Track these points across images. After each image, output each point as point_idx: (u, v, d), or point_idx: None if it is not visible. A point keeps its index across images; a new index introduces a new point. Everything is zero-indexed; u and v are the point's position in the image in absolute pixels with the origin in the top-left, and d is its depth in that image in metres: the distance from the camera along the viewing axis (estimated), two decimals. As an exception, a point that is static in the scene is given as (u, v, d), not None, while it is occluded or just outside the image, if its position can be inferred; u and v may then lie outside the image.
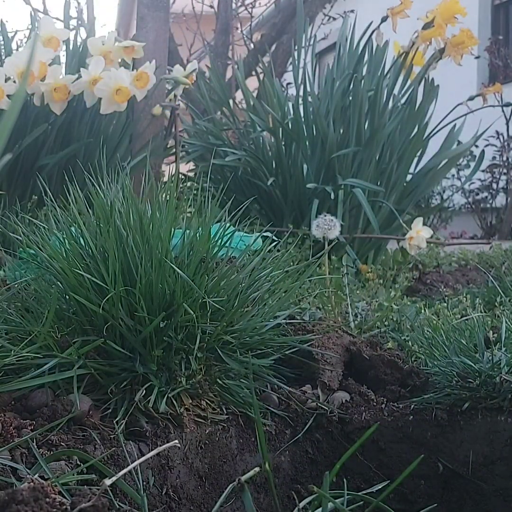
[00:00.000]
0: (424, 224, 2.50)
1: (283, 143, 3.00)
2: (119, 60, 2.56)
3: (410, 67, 2.92)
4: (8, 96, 2.27)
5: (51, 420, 0.97)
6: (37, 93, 2.37)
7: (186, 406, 1.10)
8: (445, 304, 1.84)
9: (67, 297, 1.13)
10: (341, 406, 1.27)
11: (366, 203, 2.68)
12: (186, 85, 2.87)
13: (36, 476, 0.81)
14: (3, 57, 2.61)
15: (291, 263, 1.37)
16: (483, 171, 6.53)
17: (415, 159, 3.06)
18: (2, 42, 2.74)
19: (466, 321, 1.42)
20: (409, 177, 3.08)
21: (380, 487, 0.87)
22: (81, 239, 1.14)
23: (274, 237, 1.35)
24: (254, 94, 3.37)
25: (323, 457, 1.24)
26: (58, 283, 1.14)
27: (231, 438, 1.13)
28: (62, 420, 0.97)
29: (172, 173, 2.49)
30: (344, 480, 0.88)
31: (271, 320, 1.25)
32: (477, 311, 1.65)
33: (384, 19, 2.88)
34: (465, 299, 1.90)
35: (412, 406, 1.24)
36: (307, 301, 1.63)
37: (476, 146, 4.41)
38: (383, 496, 0.72)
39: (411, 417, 1.22)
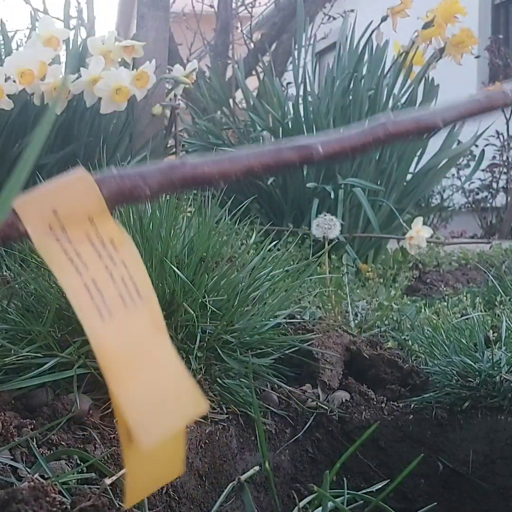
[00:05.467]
0: (424, 223, 2.49)
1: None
2: (119, 60, 2.56)
3: (410, 66, 2.92)
4: (8, 96, 2.27)
5: (51, 420, 0.97)
6: (37, 92, 2.37)
7: (186, 406, 1.10)
8: (445, 303, 1.84)
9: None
10: (341, 405, 1.27)
11: (366, 203, 2.68)
12: (186, 84, 2.86)
13: (36, 475, 0.82)
14: (3, 57, 2.61)
15: (291, 262, 1.37)
16: (483, 170, 6.52)
17: (415, 159, 3.06)
18: (2, 42, 2.74)
19: (466, 320, 1.42)
20: (409, 176, 3.08)
21: (380, 486, 0.87)
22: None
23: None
24: (254, 94, 3.37)
25: (323, 456, 1.24)
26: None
27: (231, 437, 1.14)
28: (62, 419, 0.97)
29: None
30: (344, 479, 0.88)
31: (271, 319, 1.25)
32: (477, 310, 1.65)
33: (384, 19, 2.88)
34: (465, 298, 1.90)
35: (412, 405, 1.24)
36: (307, 300, 1.63)
37: (476, 146, 4.41)
38: (383, 495, 0.72)
39: (411, 416, 1.22)
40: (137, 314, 0.43)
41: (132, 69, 2.56)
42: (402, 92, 2.95)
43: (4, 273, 1.33)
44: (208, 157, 0.43)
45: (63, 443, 0.93)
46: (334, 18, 6.15)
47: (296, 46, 3.16)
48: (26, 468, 0.85)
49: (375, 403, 1.27)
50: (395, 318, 1.69)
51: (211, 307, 1.12)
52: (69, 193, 0.42)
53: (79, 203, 0.42)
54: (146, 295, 0.44)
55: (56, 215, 0.42)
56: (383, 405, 1.26)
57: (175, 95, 3.01)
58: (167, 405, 0.43)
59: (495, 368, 1.17)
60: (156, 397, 0.43)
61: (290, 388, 1.25)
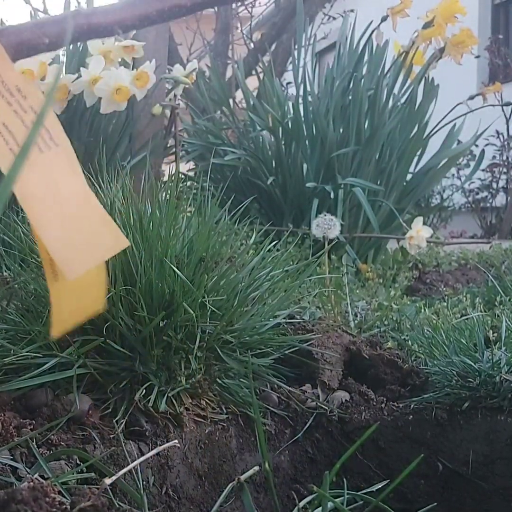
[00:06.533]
0: (424, 223, 2.50)
1: (283, 142, 3.00)
2: (119, 60, 2.56)
3: (410, 66, 2.92)
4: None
5: (51, 420, 0.97)
6: (37, 92, 2.37)
7: (185, 406, 1.10)
8: (445, 304, 1.84)
9: (67, 296, 1.13)
10: (341, 405, 1.27)
11: (366, 203, 2.68)
12: (186, 84, 2.86)
13: (35, 475, 0.81)
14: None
15: (291, 263, 1.37)
16: (483, 170, 6.52)
17: (415, 158, 3.06)
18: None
19: (466, 321, 1.42)
20: (409, 176, 3.08)
21: (380, 486, 0.87)
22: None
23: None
24: (254, 94, 3.37)
25: (323, 456, 1.24)
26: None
27: (230, 437, 1.13)
28: (61, 419, 0.97)
29: (172, 173, 2.49)
30: (344, 479, 0.88)
31: (270, 319, 1.25)
32: (477, 310, 1.65)
33: (384, 19, 2.88)
34: (465, 298, 1.90)
35: (412, 405, 1.24)
36: (307, 300, 1.63)
37: (476, 146, 4.41)
38: (383, 495, 0.72)
39: (411, 416, 1.22)
40: (53, 159, 0.44)
41: (132, 69, 2.56)
42: (402, 92, 2.95)
43: (4, 273, 1.33)
44: (102, 6, 0.45)
45: (62, 443, 0.93)
46: (334, 18, 6.15)
47: (296, 46, 3.16)
48: (26, 468, 0.85)
49: (375, 403, 1.27)
50: (395, 318, 1.69)
51: (210, 307, 1.12)
52: None
53: None
54: (60, 141, 0.45)
55: None
56: (383, 405, 1.26)
57: (175, 95, 3.01)
58: (88, 240, 0.45)
59: (495, 369, 1.17)
60: (77, 233, 0.45)
61: (290, 388, 1.25)
